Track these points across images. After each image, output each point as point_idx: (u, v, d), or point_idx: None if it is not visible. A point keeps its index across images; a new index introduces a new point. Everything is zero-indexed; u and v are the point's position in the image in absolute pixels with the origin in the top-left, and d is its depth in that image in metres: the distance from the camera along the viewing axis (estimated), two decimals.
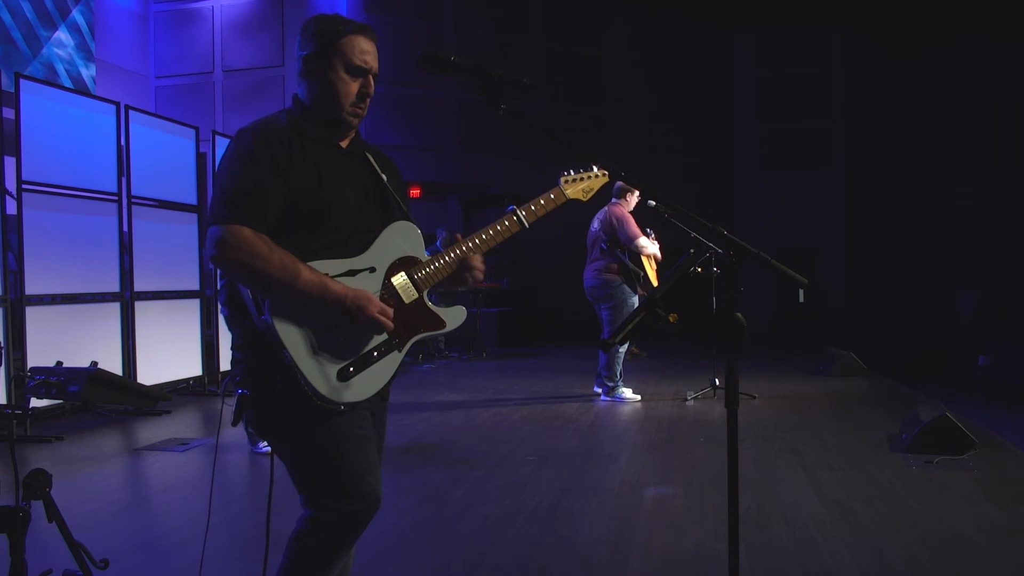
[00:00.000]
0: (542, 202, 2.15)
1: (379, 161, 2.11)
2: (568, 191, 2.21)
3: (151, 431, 5.81)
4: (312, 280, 1.81)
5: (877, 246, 14.43)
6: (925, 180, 14.63)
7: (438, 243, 10.69)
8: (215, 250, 1.80)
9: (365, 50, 1.95)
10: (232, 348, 1.96)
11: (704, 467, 4.54)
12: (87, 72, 10.76)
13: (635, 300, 6.65)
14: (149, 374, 7.02)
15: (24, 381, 5.50)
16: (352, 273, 1.92)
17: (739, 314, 1.78)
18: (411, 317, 2.01)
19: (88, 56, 10.84)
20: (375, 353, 1.92)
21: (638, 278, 6.59)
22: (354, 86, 1.95)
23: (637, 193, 6.77)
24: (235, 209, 1.81)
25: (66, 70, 10.37)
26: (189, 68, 13.29)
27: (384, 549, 3.30)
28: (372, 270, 1.96)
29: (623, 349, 6.93)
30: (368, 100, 1.98)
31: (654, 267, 6.73)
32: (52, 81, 9.28)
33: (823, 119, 15.26)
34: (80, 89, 10.08)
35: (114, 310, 6.83)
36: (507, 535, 3.44)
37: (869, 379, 7.95)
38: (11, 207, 6.03)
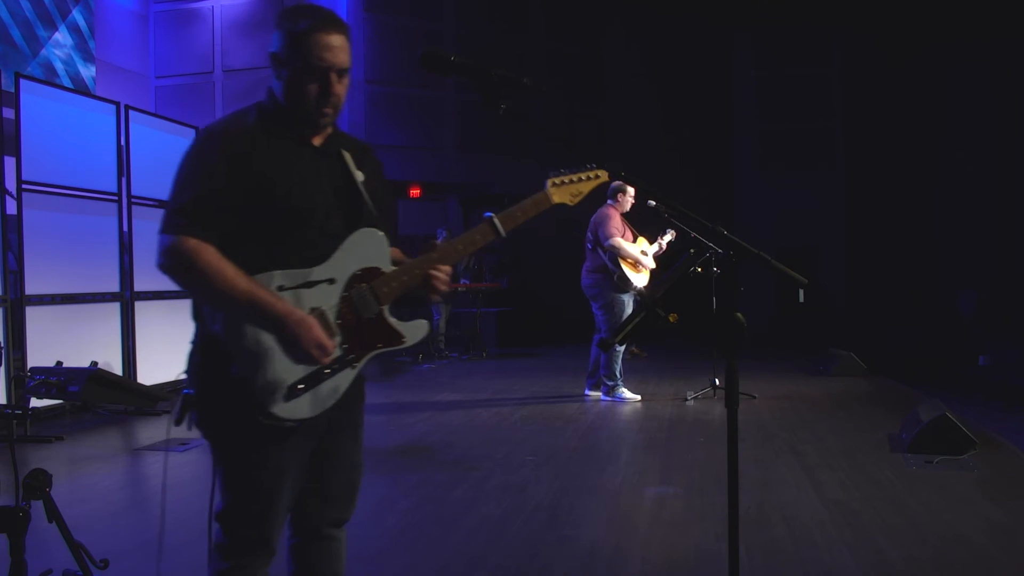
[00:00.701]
0: (523, 209, 2.02)
1: (357, 158, 2.00)
2: (554, 196, 2.05)
3: (151, 431, 5.80)
4: (256, 298, 1.75)
5: (877, 246, 14.42)
6: (925, 180, 14.62)
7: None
8: (161, 259, 1.77)
9: (327, 46, 1.82)
10: (191, 344, 1.92)
11: (704, 467, 4.55)
12: (87, 72, 10.76)
13: (625, 298, 6.67)
14: (149, 374, 7.02)
15: (24, 381, 5.50)
16: (310, 284, 1.84)
17: (739, 314, 1.77)
18: (369, 332, 1.92)
19: (88, 56, 10.83)
20: (327, 370, 1.84)
21: (615, 277, 6.60)
22: (315, 86, 1.83)
23: (631, 194, 6.83)
24: (185, 218, 1.76)
25: (66, 70, 10.37)
26: (189, 68, 13.28)
27: (384, 549, 3.30)
28: (331, 281, 1.87)
29: (620, 349, 6.93)
30: (334, 99, 1.86)
31: (639, 269, 6.71)
32: (52, 81, 9.28)
33: (823, 119, 15.26)
34: (80, 89, 10.08)
35: (114, 310, 6.83)
36: (507, 535, 3.44)
37: (869, 379, 7.95)
38: (11, 207, 6.03)
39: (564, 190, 2.06)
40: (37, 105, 6.11)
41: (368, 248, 1.92)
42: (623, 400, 6.72)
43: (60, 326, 6.21)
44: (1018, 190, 14.29)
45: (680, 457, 4.81)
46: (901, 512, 3.64)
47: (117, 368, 6.66)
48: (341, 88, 1.86)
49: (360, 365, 1.91)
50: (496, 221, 1.97)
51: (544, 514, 3.72)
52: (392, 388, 8.13)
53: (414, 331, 1.98)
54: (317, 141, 1.93)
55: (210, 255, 1.75)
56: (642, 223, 6.92)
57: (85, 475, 4.60)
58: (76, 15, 10.63)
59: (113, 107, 6.92)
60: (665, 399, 6.85)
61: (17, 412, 5.12)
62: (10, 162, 5.91)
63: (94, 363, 5.70)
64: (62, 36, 10.36)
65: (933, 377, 8.81)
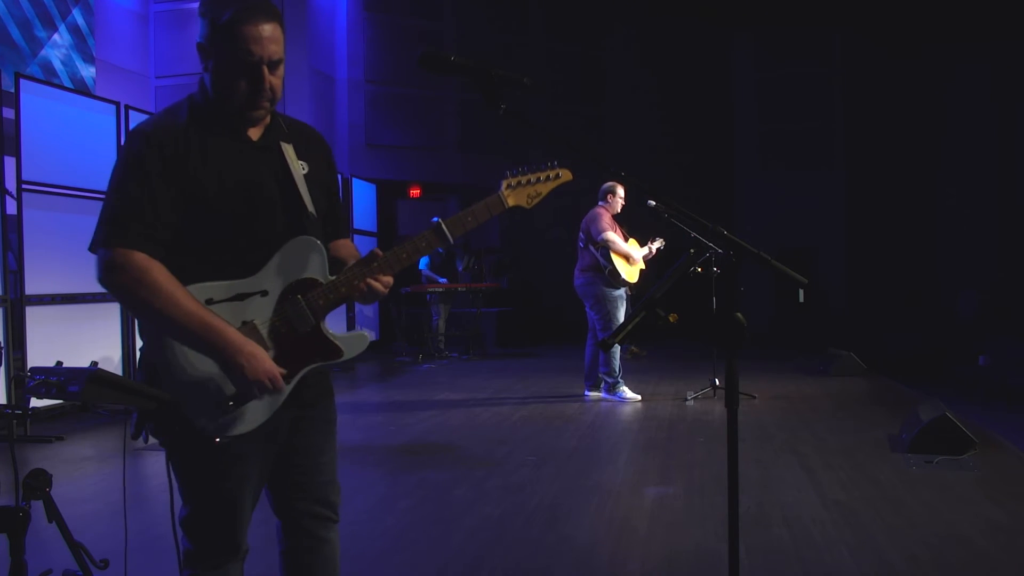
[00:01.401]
0: (474, 213, 1.87)
1: (301, 147, 1.88)
2: (510, 198, 1.90)
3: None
4: (202, 322, 1.67)
5: (877, 246, 14.42)
6: (925, 180, 14.62)
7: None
8: (102, 274, 1.69)
9: (254, 37, 1.68)
10: (139, 352, 1.87)
11: (704, 467, 4.54)
12: (87, 72, 10.75)
13: (616, 295, 6.69)
14: None
15: (24, 381, 5.49)
16: (241, 297, 1.75)
17: (739, 314, 1.77)
18: (304, 346, 1.81)
19: (87, 56, 10.83)
20: None
21: (605, 271, 6.62)
22: (244, 81, 1.71)
23: (621, 196, 6.89)
24: (122, 230, 1.67)
25: (65, 70, 10.37)
26: (189, 68, 13.24)
27: (384, 549, 3.30)
28: (264, 293, 1.77)
29: (616, 346, 6.93)
30: (268, 92, 1.74)
31: (631, 264, 6.74)
32: (52, 81, 9.28)
33: (823, 119, 15.26)
34: (80, 89, 10.08)
35: (114, 310, 6.82)
36: (507, 535, 3.44)
37: (869, 379, 7.95)
38: (11, 207, 6.02)
39: (521, 192, 1.91)
40: (37, 105, 6.11)
41: (304, 258, 1.80)
42: (623, 399, 6.72)
43: (60, 326, 6.21)
44: (1018, 190, 14.29)
45: (680, 457, 4.81)
46: (901, 512, 3.64)
47: (117, 368, 6.66)
48: (275, 80, 1.74)
49: (294, 381, 1.81)
50: (444, 227, 1.85)
51: (544, 514, 3.72)
52: (392, 388, 8.13)
53: (353, 344, 1.86)
54: (255, 135, 1.82)
55: (160, 273, 1.67)
56: (640, 224, 6.93)
57: (85, 475, 4.60)
58: (76, 15, 10.62)
59: (113, 107, 6.92)
60: (665, 399, 6.85)
61: (17, 412, 5.12)
62: (10, 162, 5.91)
63: (94, 363, 5.69)
64: (62, 36, 10.36)
65: (933, 377, 8.81)
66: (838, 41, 15.08)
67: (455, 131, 13.55)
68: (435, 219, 1.90)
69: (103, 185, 6.61)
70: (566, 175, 1.95)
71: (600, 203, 6.89)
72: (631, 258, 6.74)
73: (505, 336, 12.13)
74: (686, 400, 6.71)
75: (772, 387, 7.34)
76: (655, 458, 4.83)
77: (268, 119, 1.84)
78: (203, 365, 1.72)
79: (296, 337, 1.80)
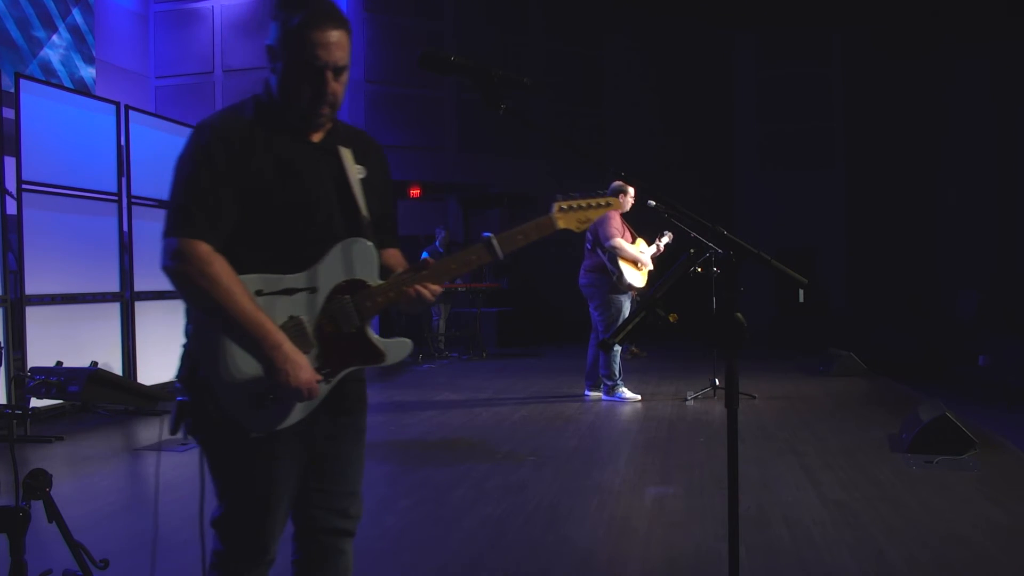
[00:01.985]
0: (525, 232, 1.90)
1: (359, 152, 1.92)
2: (560, 221, 1.93)
3: (151, 431, 5.80)
4: (255, 321, 1.69)
5: (877, 246, 14.42)
6: (925, 180, 14.61)
7: (437, 243, 10.70)
8: (169, 262, 1.72)
9: (322, 43, 1.72)
10: (182, 348, 1.88)
11: (704, 467, 4.55)
12: (87, 72, 10.75)
13: (622, 299, 6.68)
14: (149, 374, 7.01)
15: (24, 381, 5.50)
16: (290, 292, 1.78)
17: (739, 314, 1.77)
18: (347, 347, 1.82)
19: (88, 56, 10.83)
20: None
21: (612, 277, 6.61)
22: (309, 86, 1.76)
23: (631, 195, 6.84)
24: (189, 220, 1.71)
25: (65, 70, 10.37)
26: (189, 68, 13.27)
27: (384, 549, 3.30)
28: (313, 291, 1.80)
29: (617, 348, 6.94)
30: (331, 97, 1.78)
31: (640, 268, 6.73)
32: (51, 81, 9.28)
33: (823, 119, 15.25)
34: (80, 89, 10.08)
35: (114, 310, 6.83)
36: (507, 535, 3.44)
37: (869, 379, 7.95)
38: (11, 207, 6.03)
39: (571, 216, 1.95)
40: (37, 105, 6.11)
41: (355, 259, 1.83)
42: (623, 400, 6.72)
43: (60, 326, 6.21)
44: (1018, 190, 14.28)
45: (680, 457, 4.81)
46: (901, 512, 3.64)
47: (117, 368, 6.67)
48: (338, 86, 1.78)
49: (334, 380, 1.83)
50: (495, 243, 1.88)
51: (544, 514, 3.72)
52: (392, 388, 8.13)
53: (396, 349, 1.88)
54: (316, 137, 1.87)
55: (221, 266, 1.71)
56: (641, 224, 6.93)
57: (85, 475, 4.60)
58: (76, 15, 10.62)
59: (113, 107, 6.92)
60: (665, 399, 6.85)
61: (17, 412, 5.12)
62: (10, 162, 5.91)
63: (94, 363, 5.70)
64: (61, 36, 10.36)
65: (933, 377, 8.80)
66: (838, 41, 15.07)
67: (455, 131, 13.53)
68: (486, 234, 1.93)
69: (103, 185, 6.60)
70: (616, 204, 2.05)
71: None
72: (639, 262, 6.71)
73: (505, 336, 12.13)
74: (686, 400, 6.71)
75: (772, 387, 7.34)
76: (655, 458, 4.83)
77: (329, 124, 1.88)
78: (245, 361, 1.74)
79: (340, 337, 1.82)
